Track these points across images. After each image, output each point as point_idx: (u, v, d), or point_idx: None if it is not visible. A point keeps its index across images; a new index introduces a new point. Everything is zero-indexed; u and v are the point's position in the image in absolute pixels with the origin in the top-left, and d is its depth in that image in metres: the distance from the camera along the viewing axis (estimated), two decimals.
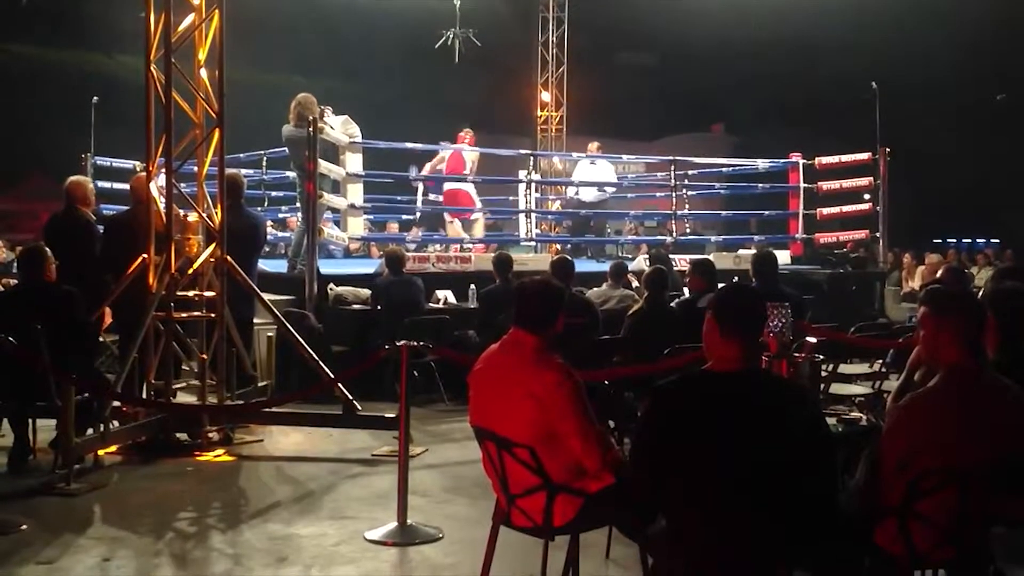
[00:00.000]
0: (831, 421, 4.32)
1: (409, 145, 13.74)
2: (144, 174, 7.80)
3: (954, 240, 23.89)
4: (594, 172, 15.00)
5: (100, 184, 13.83)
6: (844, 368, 7.70)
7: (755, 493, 3.19)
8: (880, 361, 7.78)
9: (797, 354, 4.58)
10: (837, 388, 7.01)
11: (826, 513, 3.33)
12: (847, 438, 4.17)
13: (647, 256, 13.25)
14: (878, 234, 14.32)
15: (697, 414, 3.28)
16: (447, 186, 14.09)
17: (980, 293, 6.29)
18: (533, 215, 15.24)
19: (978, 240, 24.25)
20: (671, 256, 12.20)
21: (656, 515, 3.56)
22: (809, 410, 3.39)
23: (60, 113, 18.85)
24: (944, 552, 3.57)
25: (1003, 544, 3.99)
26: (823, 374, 6.46)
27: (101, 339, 8.05)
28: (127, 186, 9.48)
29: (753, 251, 11.81)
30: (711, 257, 11.30)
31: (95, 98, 15.73)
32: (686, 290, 9.12)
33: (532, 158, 15.60)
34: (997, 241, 23.89)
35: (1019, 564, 4.16)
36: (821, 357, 4.83)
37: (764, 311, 3.55)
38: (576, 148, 19.89)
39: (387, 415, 7.20)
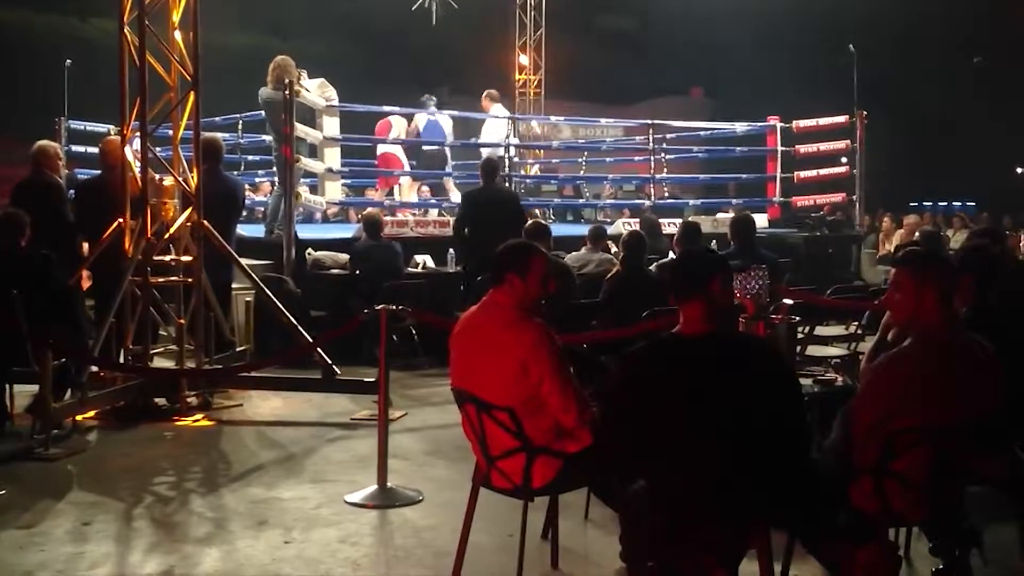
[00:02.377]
0: (807, 383, 4.37)
1: (386, 108, 13.65)
2: (114, 137, 7.74)
3: (930, 203, 23.98)
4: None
5: (74, 148, 13.75)
6: (820, 330, 7.76)
7: (726, 453, 3.23)
8: (856, 323, 7.84)
9: (774, 316, 4.62)
10: (813, 350, 7.08)
11: (800, 471, 3.37)
12: (823, 399, 4.21)
13: (627, 220, 13.26)
14: (855, 197, 14.37)
15: (666, 376, 3.32)
16: (381, 149, 13.98)
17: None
18: (512, 178, 15.18)
19: (954, 203, 24.37)
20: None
21: (632, 477, 3.59)
22: (778, 367, 3.43)
23: (33, 77, 18.63)
24: (919, 510, 3.62)
25: (977, 502, 4.04)
26: (799, 336, 6.52)
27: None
28: None
29: (731, 215, 11.85)
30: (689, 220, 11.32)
31: (68, 61, 15.56)
32: (671, 253, 9.14)
33: (511, 121, 15.54)
34: (973, 204, 24.04)
35: (994, 523, 4.21)
36: (797, 319, 4.87)
37: (709, 270, 3.53)
38: (554, 111, 19.86)
39: (366, 379, 7.21)
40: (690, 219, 10.70)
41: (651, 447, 3.33)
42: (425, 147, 14.17)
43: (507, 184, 14.12)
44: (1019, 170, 29.15)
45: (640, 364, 3.39)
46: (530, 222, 10.23)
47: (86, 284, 7.88)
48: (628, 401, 3.36)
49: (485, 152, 13.36)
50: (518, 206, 10.09)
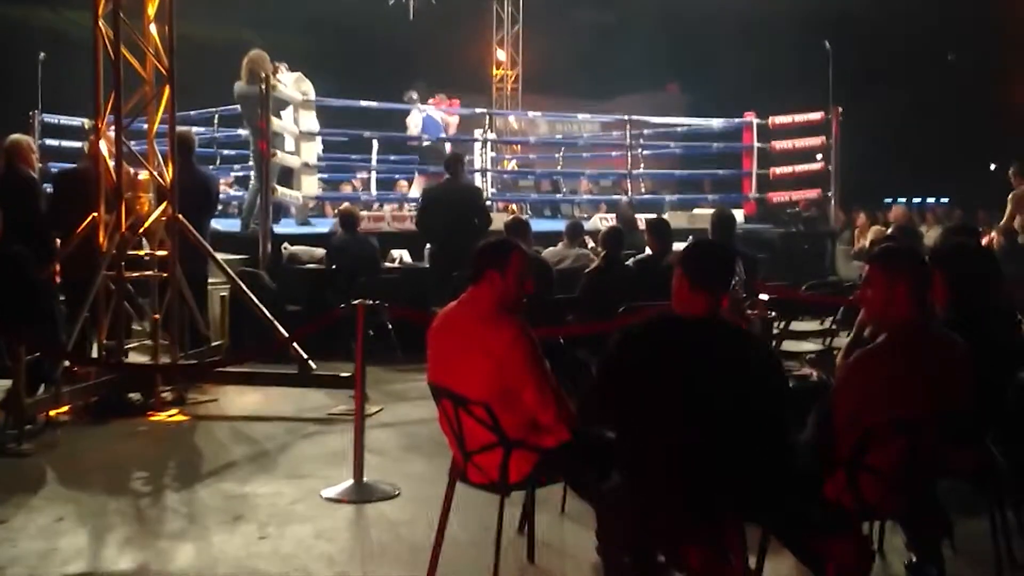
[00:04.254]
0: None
1: (363, 103, 13.63)
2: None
3: (904, 199, 24.11)
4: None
5: (48, 142, 13.62)
6: (796, 325, 7.80)
7: (709, 439, 3.25)
8: (831, 318, 7.89)
9: (750, 311, 4.64)
10: (789, 345, 7.13)
11: (778, 464, 3.39)
12: (797, 394, 4.23)
13: (604, 216, 13.28)
14: (830, 193, 14.45)
15: (662, 354, 3.36)
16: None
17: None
18: (489, 174, 15.19)
19: (928, 199, 24.51)
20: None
21: (608, 471, 3.60)
22: (768, 358, 3.47)
23: (5, 70, 18.46)
24: (893, 504, 3.64)
25: (952, 496, 4.08)
26: (775, 331, 6.56)
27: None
28: (76, 144, 9.35)
29: (709, 211, 11.88)
30: (666, 216, 11.35)
31: (42, 54, 15.42)
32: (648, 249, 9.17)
33: (488, 117, 15.54)
34: (947, 200, 24.17)
35: (967, 515, 4.25)
36: (773, 314, 4.90)
37: (733, 267, 3.63)
38: (532, 107, 19.86)
39: (343, 374, 7.19)
40: (660, 216, 10.71)
41: (630, 430, 3.35)
42: (425, 142, 14.26)
43: (484, 178, 14.22)
44: (992, 166, 29.36)
45: (637, 339, 3.43)
46: (510, 217, 10.30)
47: (57, 279, 7.81)
48: (618, 374, 3.38)
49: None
50: (479, 201, 10.14)
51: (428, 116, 14.62)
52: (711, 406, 3.26)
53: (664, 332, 3.44)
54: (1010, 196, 11.85)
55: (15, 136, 8.32)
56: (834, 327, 7.66)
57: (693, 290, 3.45)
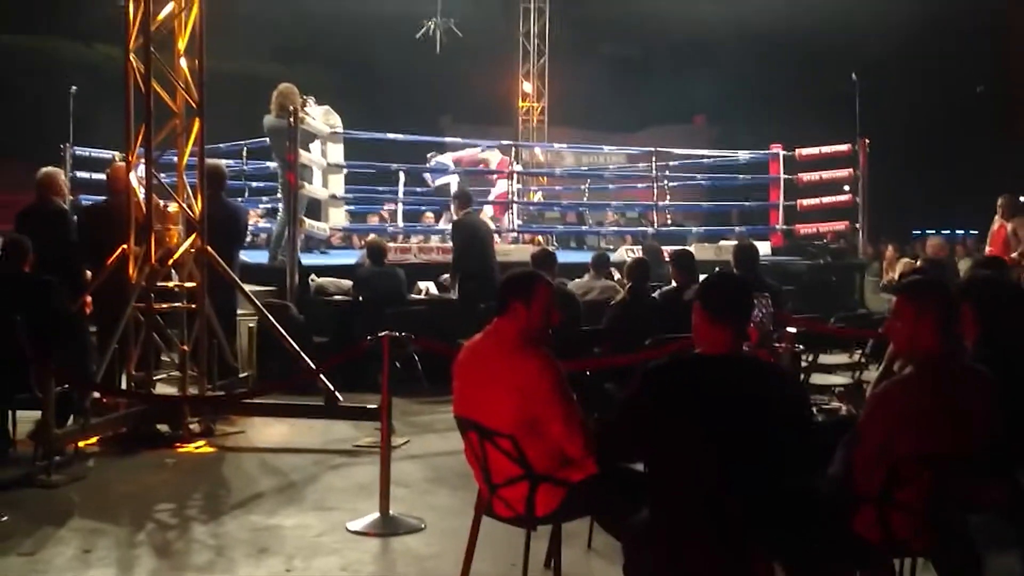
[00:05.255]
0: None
1: (390, 136, 13.72)
2: (120, 163, 7.75)
3: (933, 231, 23.98)
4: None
5: (79, 174, 13.77)
6: (824, 358, 7.74)
7: (737, 476, 3.21)
8: (860, 351, 7.82)
9: (777, 344, 4.60)
10: (817, 378, 7.06)
11: (804, 502, 3.36)
12: (826, 428, 4.19)
13: (630, 247, 13.27)
14: (858, 225, 14.38)
15: (687, 394, 3.32)
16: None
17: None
18: (515, 206, 15.22)
19: (957, 231, 24.36)
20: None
21: (635, 506, 3.58)
22: (796, 394, 3.44)
23: (38, 102, 18.72)
24: (923, 539, 3.60)
25: (981, 531, 4.02)
26: (803, 364, 6.50)
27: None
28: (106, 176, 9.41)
29: (734, 242, 11.85)
30: (692, 248, 11.33)
31: (73, 87, 15.62)
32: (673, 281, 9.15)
33: (514, 149, 15.59)
34: (976, 232, 24.00)
35: (997, 550, 4.19)
36: (801, 347, 4.86)
37: (751, 299, 3.60)
38: (558, 139, 19.93)
39: (369, 406, 7.18)
40: (684, 248, 10.70)
41: (658, 467, 3.32)
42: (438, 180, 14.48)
43: (508, 210, 14.31)
44: (1022, 199, 29.15)
45: (661, 378, 3.39)
46: (537, 248, 10.34)
47: (88, 310, 7.87)
48: (642, 415, 3.35)
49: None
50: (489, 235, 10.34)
51: (437, 162, 14.90)
52: (737, 444, 3.22)
53: (688, 371, 3.41)
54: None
55: (47, 168, 8.42)
56: (863, 360, 7.59)
57: (713, 325, 3.41)
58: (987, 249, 11.89)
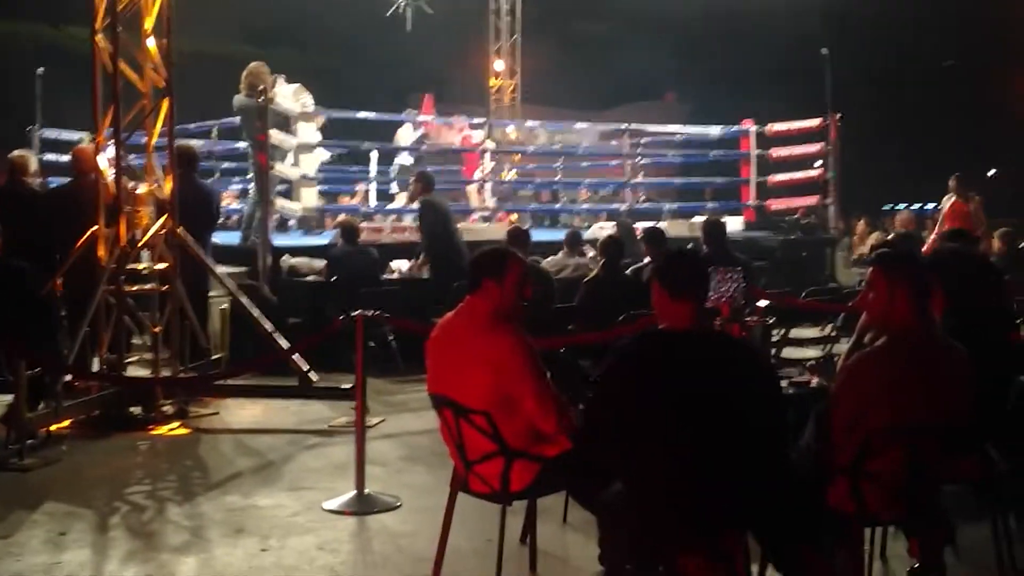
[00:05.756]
0: (782, 384, 4.39)
1: (361, 115, 13.65)
2: (86, 145, 7.69)
3: (903, 205, 24.15)
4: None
5: (47, 157, 13.62)
6: (795, 332, 7.79)
7: (710, 450, 3.24)
8: (831, 325, 7.89)
9: (749, 318, 4.64)
10: (788, 352, 7.12)
11: (777, 473, 3.39)
12: (797, 400, 4.24)
13: (603, 225, 13.29)
14: (828, 200, 14.45)
15: (656, 370, 3.33)
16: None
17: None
18: (488, 184, 15.21)
19: (927, 206, 24.55)
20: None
21: (609, 480, 3.60)
22: (762, 367, 3.47)
23: (4, 85, 18.49)
24: (895, 510, 3.64)
25: (954, 502, 4.08)
26: (774, 338, 6.56)
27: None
28: None
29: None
30: (665, 224, 11.37)
31: (40, 69, 15.44)
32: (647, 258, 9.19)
33: (487, 127, 15.56)
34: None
35: (969, 521, 4.26)
36: (772, 321, 4.90)
37: (707, 273, 3.62)
38: (530, 117, 19.88)
39: (343, 386, 7.19)
40: (654, 225, 10.72)
41: (631, 442, 3.34)
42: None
43: (482, 187, 14.30)
44: (990, 173, 29.39)
45: (630, 357, 3.41)
46: (511, 227, 10.35)
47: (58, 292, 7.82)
48: (614, 392, 3.37)
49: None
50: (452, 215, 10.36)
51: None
52: (707, 418, 3.25)
53: (655, 348, 3.43)
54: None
55: (20, 151, 8.36)
56: (834, 334, 7.65)
57: (674, 301, 3.44)
58: (945, 226, 12.05)
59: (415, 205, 13.77)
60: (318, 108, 12.32)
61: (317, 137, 12.54)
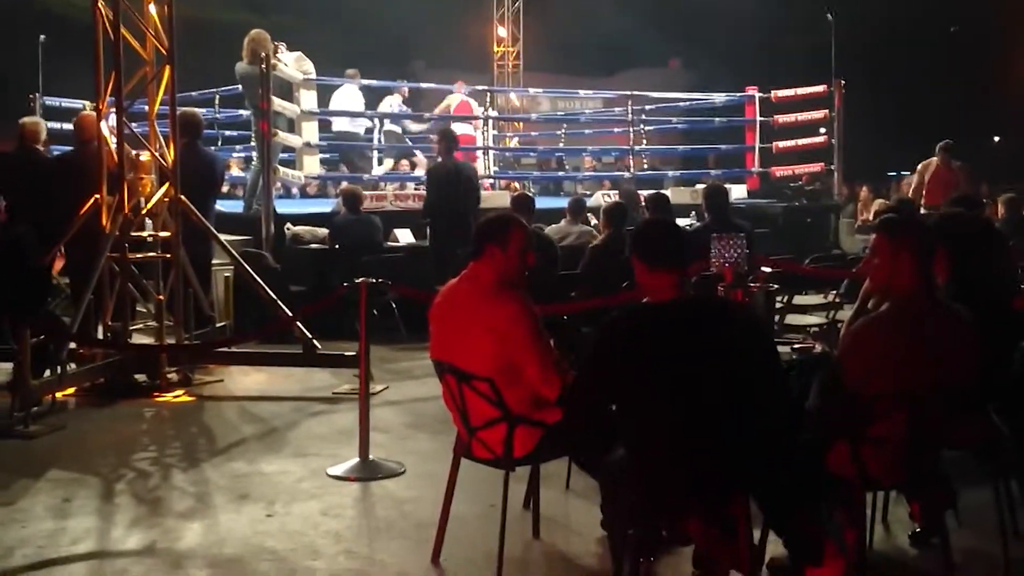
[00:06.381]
0: (785, 350, 4.39)
1: (364, 82, 13.61)
2: (87, 113, 7.66)
3: (908, 172, 24.05)
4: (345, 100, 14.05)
5: (50, 124, 13.59)
6: (799, 299, 7.81)
7: (703, 419, 3.24)
8: (834, 292, 7.89)
9: (752, 284, 4.64)
10: (792, 319, 7.13)
11: (776, 438, 3.39)
12: (800, 366, 4.24)
13: (607, 192, 13.27)
14: (833, 167, 14.42)
15: (644, 344, 3.32)
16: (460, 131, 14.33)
17: None
18: (491, 152, 15.18)
19: None
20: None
21: (611, 446, 3.61)
22: (754, 330, 3.44)
23: (7, 52, 18.43)
24: (897, 475, 3.65)
25: (956, 467, 4.09)
26: (778, 305, 6.56)
27: (55, 281, 7.98)
28: None
29: None
30: (668, 192, 11.34)
31: (42, 37, 15.39)
32: None
33: (489, 94, 15.51)
34: (957, 163, 24.07)
35: (971, 486, 4.27)
36: (776, 287, 4.90)
37: (682, 239, 3.55)
38: (533, 84, 19.80)
39: (347, 353, 7.21)
40: (662, 191, 10.69)
41: (629, 413, 3.35)
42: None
43: (484, 157, 14.24)
44: (996, 138, 29.28)
45: (615, 332, 3.39)
46: (516, 193, 10.33)
47: (60, 262, 7.84)
48: (605, 366, 3.36)
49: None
50: (473, 181, 10.18)
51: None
52: (703, 383, 3.24)
53: (642, 320, 3.40)
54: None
55: (31, 118, 8.37)
56: (838, 300, 7.65)
57: (653, 272, 3.41)
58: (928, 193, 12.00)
59: (416, 172, 13.81)
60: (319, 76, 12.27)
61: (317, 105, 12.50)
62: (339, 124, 14.01)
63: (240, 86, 11.21)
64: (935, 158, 12.51)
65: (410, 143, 14.93)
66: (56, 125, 13.54)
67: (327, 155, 14.05)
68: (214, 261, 8.58)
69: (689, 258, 3.51)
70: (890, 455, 3.54)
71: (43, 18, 19.40)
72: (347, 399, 6.96)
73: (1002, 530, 4.03)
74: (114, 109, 7.41)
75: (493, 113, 15.50)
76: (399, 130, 14.70)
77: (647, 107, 15.77)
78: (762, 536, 3.70)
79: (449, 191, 9.59)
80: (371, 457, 5.48)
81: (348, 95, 13.58)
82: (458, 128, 13.54)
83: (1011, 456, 4.08)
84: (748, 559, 3.35)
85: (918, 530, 4.27)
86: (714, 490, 3.32)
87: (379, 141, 14.63)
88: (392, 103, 14.58)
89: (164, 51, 7.53)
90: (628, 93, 15.15)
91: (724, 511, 3.36)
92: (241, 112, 12.92)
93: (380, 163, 14.95)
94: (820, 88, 14.55)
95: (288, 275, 9.41)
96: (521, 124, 18.52)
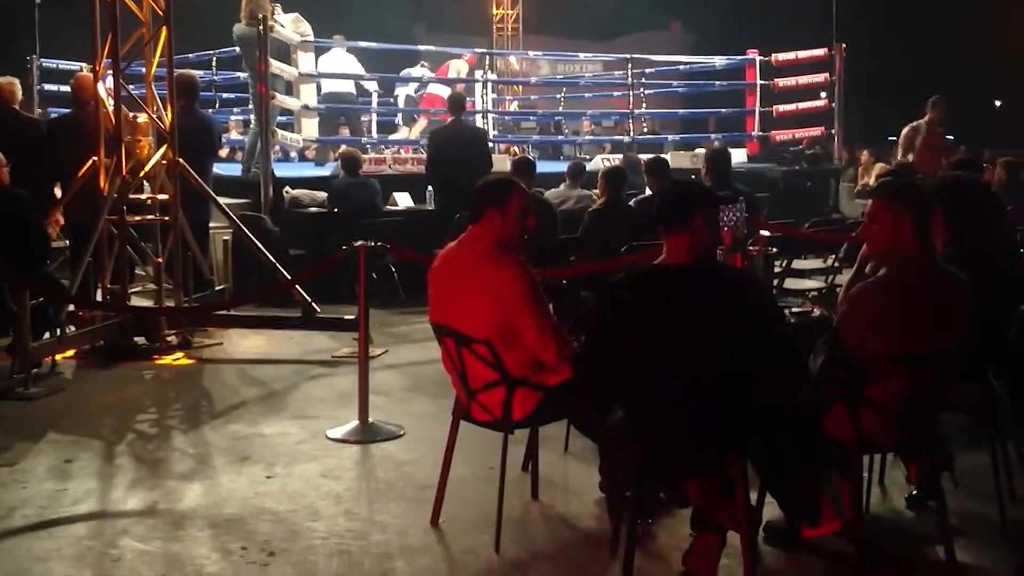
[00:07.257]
0: (783, 311, 4.40)
1: (362, 44, 13.53)
2: (86, 74, 7.61)
3: None
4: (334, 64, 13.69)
5: (47, 87, 13.55)
6: (798, 263, 7.80)
7: (703, 383, 3.25)
8: (833, 256, 7.88)
9: (752, 248, 4.64)
10: (791, 283, 7.13)
11: (779, 399, 3.40)
12: (799, 329, 4.24)
13: (606, 156, 13.23)
14: (833, 131, 14.37)
15: (647, 307, 3.32)
16: (430, 89, 14.16)
17: None
18: (490, 115, 15.12)
19: None
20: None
21: (610, 408, 3.62)
22: (761, 296, 3.45)
23: (4, 15, 18.29)
24: (894, 437, 3.67)
25: (953, 430, 4.11)
26: (777, 269, 6.56)
27: (53, 244, 7.95)
28: None
29: None
30: (668, 156, 11.30)
31: None
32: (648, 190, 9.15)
33: (488, 58, 15.42)
34: (951, 137, 24.02)
35: (968, 449, 4.29)
36: (775, 251, 4.90)
37: (694, 199, 3.52)
38: (533, 47, 19.69)
39: (346, 317, 7.22)
40: (658, 155, 10.64)
41: (630, 376, 3.35)
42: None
43: (484, 120, 14.19)
44: (997, 103, 29.17)
45: (620, 293, 3.39)
46: (517, 156, 10.30)
47: (59, 224, 7.81)
48: (608, 330, 3.37)
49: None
50: (483, 143, 10.12)
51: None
52: (702, 345, 3.25)
53: (645, 283, 3.41)
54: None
55: (4, 78, 8.27)
56: (837, 265, 7.66)
57: (667, 235, 3.42)
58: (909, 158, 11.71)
59: (414, 136, 13.77)
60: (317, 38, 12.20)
61: (316, 67, 12.42)
62: (329, 85, 13.84)
63: (238, 48, 11.14)
64: (922, 120, 12.16)
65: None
66: (53, 87, 13.52)
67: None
68: (213, 224, 8.57)
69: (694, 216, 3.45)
70: (887, 418, 3.55)
71: None
72: (346, 362, 6.97)
73: (998, 493, 4.06)
74: (111, 71, 7.36)
75: (492, 76, 15.41)
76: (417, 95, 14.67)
77: (647, 70, 15.68)
78: (759, 498, 3.72)
79: (452, 154, 9.53)
80: (370, 420, 5.50)
81: (337, 59, 13.45)
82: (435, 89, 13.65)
83: (1008, 419, 4.10)
84: (746, 520, 3.37)
85: (915, 492, 4.29)
86: (712, 452, 3.34)
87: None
88: (422, 73, 14.64)
89: (161, 12, 7.48)
90: (628, 56, 15.06)
91: (722, 473, 3.39)
92: (239, 74, 12.83)
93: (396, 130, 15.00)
94: (821, 52, 14.47)
95: (287, 239, 9.39)
96: (520, 88, 18.42)
